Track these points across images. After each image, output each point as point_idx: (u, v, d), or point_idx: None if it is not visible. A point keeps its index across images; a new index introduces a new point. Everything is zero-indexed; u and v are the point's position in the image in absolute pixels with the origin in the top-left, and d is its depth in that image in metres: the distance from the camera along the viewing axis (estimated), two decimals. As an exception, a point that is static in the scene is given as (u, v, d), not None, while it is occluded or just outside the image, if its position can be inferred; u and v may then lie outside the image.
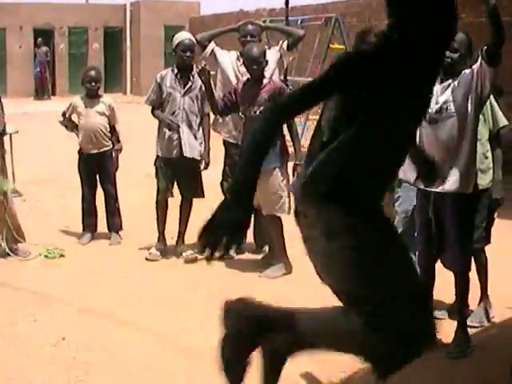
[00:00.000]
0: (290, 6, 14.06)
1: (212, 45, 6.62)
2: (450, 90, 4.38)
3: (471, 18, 12.33)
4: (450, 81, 4.39)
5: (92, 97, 7.02)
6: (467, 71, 4.34)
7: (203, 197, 6.56)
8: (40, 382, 4.12)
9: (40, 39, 25.08)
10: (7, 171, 6.54)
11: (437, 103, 4.38)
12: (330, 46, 13.57)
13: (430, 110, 4.39)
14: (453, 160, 4.35)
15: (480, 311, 5.01)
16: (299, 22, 13.97)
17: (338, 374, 4.17)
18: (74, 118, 7.07)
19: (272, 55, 6.36)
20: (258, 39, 6.43)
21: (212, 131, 6.67)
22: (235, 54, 6.54)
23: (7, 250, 6.42)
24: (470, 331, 4.66)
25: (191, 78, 6.36)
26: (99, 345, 4.62)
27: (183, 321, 5.04)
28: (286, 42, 6.59)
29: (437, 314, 4.69)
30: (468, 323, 4.71)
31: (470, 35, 4.48)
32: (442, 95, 4.38)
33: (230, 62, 6.54)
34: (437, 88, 4.38)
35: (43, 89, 24.86)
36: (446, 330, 4.34)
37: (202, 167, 6.50)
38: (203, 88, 6.13)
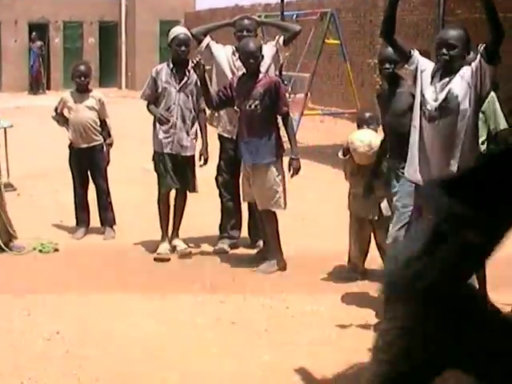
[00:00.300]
0: (285, 0, 14.05)
1: (207, 39, 6.60)
2: (448, 87, 4.37)
3: (466, 14, 12.34)
4: (449, 78, 4.38)
5: (82, 91, 7.00)
6: (466, 69, 4.34)
7: (196, 191, 6.54)
8: (33, 376, 4.11)
9: (34, 33, 24.98)
10: (0, 166, 6.52)
11: (436, 100, 4.38)
12: (326, 41, 13.57)
13: (429, 108, 4.39)
14: (454, 157, 4.34)
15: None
16: (294, 16, 13.94)
17: (332, 369, 4.17)
18: (66, 112, 7.07)
19: (268, 50, 6.35)
20: (254, 34, 6.41)
21: (208, 126, 6.64)
22: (231, 48, 6.52)
23: (1, 244, 6.41)
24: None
25: (187, 72, 6.32)
26: (93, 339, 4.62)
27: (177, 315, 5.04)
28: (282, 38, 6.58)
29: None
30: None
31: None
32: (441, 93, 4.38)
33: (225, 56, 6.52)
34: (436, 85, 4.38)
35: (38, 83, 24.78)
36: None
37: (200, 163, 6.46)
38: (199, 83, 6.10)
